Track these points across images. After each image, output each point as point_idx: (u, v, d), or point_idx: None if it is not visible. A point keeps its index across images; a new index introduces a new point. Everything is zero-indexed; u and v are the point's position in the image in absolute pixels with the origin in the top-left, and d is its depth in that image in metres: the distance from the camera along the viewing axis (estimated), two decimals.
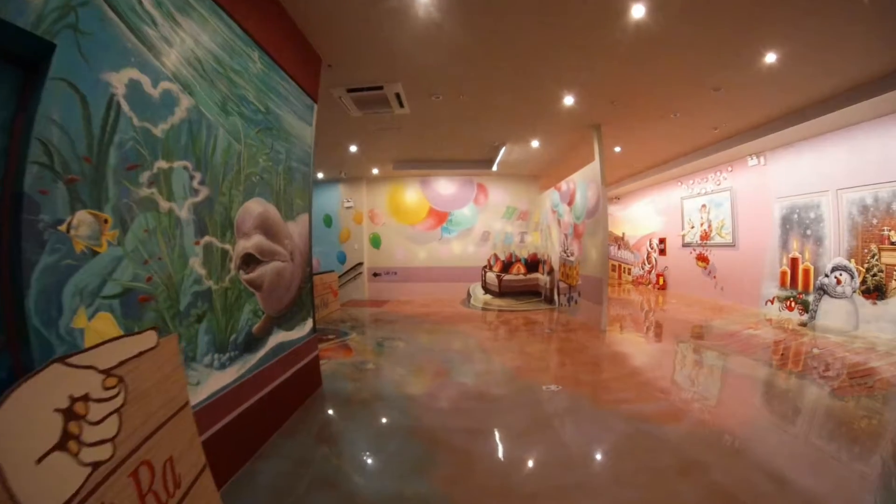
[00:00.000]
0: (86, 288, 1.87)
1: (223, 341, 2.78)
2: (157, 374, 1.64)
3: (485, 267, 11.50)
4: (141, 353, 1.58)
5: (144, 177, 2.20)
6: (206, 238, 2.65)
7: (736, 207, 9.51)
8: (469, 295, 11.21)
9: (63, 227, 1.79)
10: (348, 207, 11.50)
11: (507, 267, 11.24)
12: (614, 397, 4.10)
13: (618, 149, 8.64)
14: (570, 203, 9.11)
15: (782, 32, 4.40)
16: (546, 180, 11.33)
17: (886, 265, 6.23)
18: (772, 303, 8.37)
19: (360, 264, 11.43)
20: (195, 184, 2.58)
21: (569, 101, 6.19)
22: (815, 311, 7.34)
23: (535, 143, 8.58)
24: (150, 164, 2.24)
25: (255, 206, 3.24)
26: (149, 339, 1.65)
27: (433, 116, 6.81)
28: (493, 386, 4.51)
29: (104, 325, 1.96)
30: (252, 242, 3.14)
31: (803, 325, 7.32)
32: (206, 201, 2.67)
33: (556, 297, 9.99)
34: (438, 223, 11.45)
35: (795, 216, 7.92)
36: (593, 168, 7.59)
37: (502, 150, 8.83)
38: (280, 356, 3.55)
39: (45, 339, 1.67)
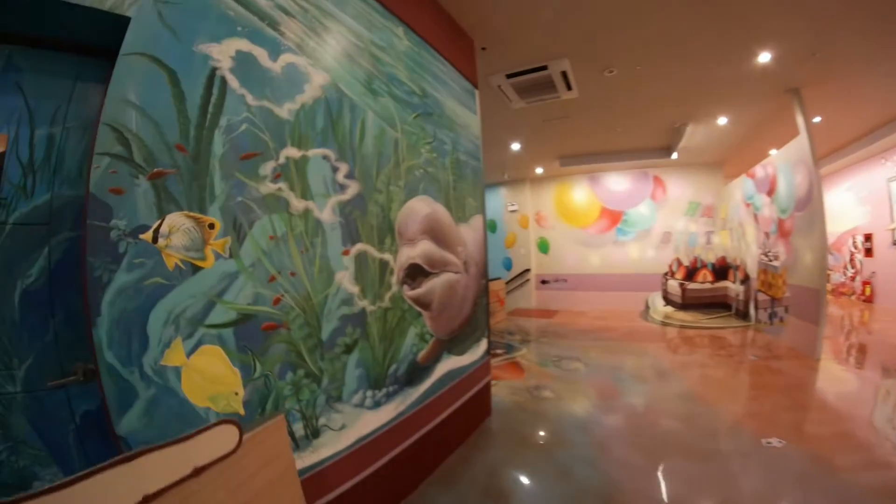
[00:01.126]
0: (183, 314, 1.37)
1: (380, 375, 2.17)
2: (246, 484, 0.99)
3: (665, 274, 9.85)
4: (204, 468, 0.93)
5: (267, 168, 1.64)
6: (359, 246, 2.06)
7: None
8: (647, 306, 9.74)
9: (147, 236, 1.28)
10: (512, 211, 10.66)
11: (691, 274, 9.45)
12: (854, 460, 2.86)
13: (817, 119, 6.57)
14: (769, 192, 7.08)
15: None
16: (732, 166, 9.44)
17: None
18: None
19: (527, 271, 10.55)
20: (340, 177, 1.99)
21: (764, 57, 4.75)
22: None
23: (721, 120, 6.97)
24: (274, 152, 1.67)
25: (421, 206, 2.61)
26: (223, 437, 1.02)
27: (605, 97, 5.77)
28: (700, 435, 3.43)
29: (210, 361, 1.43)
30: (419, 250, 2.52)
31: None
32: (356, 199, 2.08)
33: (751, 311, 7.96)
34: (612, 224, 10.09)
35: None
36: (798, 145, 5.76)
37: (685, 132, 7.35)
38: (447, 387, 2.87)
39: (122, 380, 1.24)
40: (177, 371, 1.34)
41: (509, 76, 4.83)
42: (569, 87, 5.17)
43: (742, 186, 8.25)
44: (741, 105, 6.38)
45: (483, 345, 3.49)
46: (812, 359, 5.37)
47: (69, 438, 1.34)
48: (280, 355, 1.63)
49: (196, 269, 1.40)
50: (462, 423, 3.14)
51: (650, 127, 7.33)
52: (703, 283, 9.09)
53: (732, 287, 8.68)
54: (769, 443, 3.21)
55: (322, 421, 1.82)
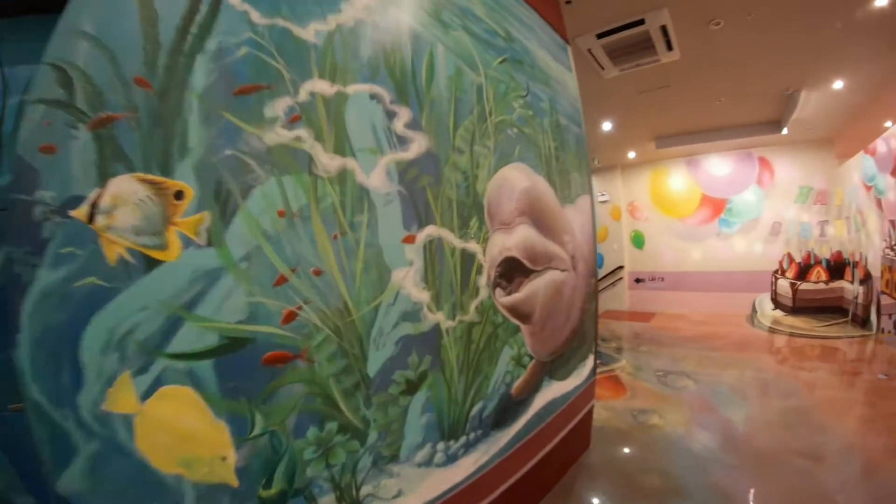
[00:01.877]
0: (131, 335, 0.83)
1: (458, 419, 1.50)
2: None
3: (775, 272, 8.33)
4: None
5: (278, 107, 1.04)
6: (430, 230, 1.40)
7: None
8: (754, 309, 8.27)
9: (80, 212, 0.81)
10: (603, 201, 9.50)
11: (803, 271, 7.85)
12: None
13: None
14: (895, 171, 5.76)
15: None
16: (845, 144, 7.87)
17: None
18: None
19: (620, 268, 9.44)
20: (399, 126, 1.35)
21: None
22: None
23: (837, 85, 5.71)
24: (291, 85, 1.07)
25: (518, 177, 1.90)
26: None
27: (710, 58, 4.84)
28: (841, 477, 2.78)
29: (177, 409, 0.89)
30: (517, 239, 1.82)
31: None
32: (425, 160, 1.42)
33: (872, 316, 6.44)
34: (714, 214, 8.76)
35: None
36: None
37: (799, 101, 6.08)
38: (544, 423, 2.12)
39: (54, 425, 0.79)
40: (128, 421, 0.80)
41: (600, 35, 4.06)
42: (669, 47, 4.33)
43: (860, 166, 6.84)
44: (861, 64, 5.32)
45: (590, 363, 2.73)
46: None
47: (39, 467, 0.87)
48: (295, 401, 1.01)
49: (152, 263, 0.83)
50: (557, 462, 2.40)
51: (758, 96, 6.25)
52: (817, 282, 7.57)
53: (850, 288, 7.19)
54: None
55: (366, 490, 1.20)
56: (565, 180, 2.38)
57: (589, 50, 4.25)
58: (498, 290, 1.66)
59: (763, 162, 8.43)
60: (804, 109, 6.41)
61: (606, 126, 6.75)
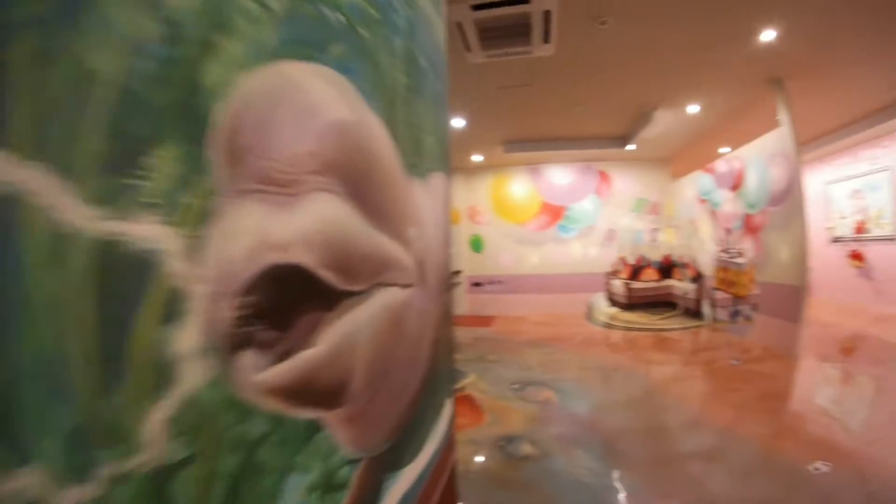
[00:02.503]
0: None
1: None
2: None
3: (610, 273, 8.94)
4: None
5: None
6: None
7: None
8: (591, 308, 8.72)
9: None
10: None
11: (636, 272, 8.58)
12: None
13: (783, 120, 5.73)
14: (734, 187, 6.65)
15: None
16: (680, 164, 8.75)
17: None
18: None
19: (459, 272, 8.96)
20: None
21: (768, 35, 4.20)
22: None
23: (691, 108, 6.06)
24: None
25: (327, 95, 0.86)
26: None
27: (584, 60, 4.53)
28: (741, 473, 2.76)
29: None
30: (308, 222, 0.74)
31: None
32: None
33: (704, 309, 7.46)
34: (553, 220, 8.94)
35: None
36: (777, 137, 5.40)
37: (653, 119, 6.29)
38: None
39: None
40: None
41: (477, 7, 3.40)
42: (546, 38, 3.87)
43: (696, 183, 8.01)
44: (718, 92, 5.71)
45: (448, 408, 1.89)
46: (792, 357, 5.06)
47: None
48: None
49: None
50: None
51: (616, 109, 6.24)
52: (649, 281, 8.40)
53: (679, 285, 8.15)
54: (817, 468, 2.79)
55: None
56: (416, 143, 1.48)
57: (459, 24, 3.56)
58: (247, 355, 0.63)
59: (603, 175, 8.97)
60: (654, 128, 6.62)
61: (459, 122, 6.14)
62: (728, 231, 6.91)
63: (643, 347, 6.04)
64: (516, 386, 4.33)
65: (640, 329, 7.07)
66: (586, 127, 6.95)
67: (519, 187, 9.02)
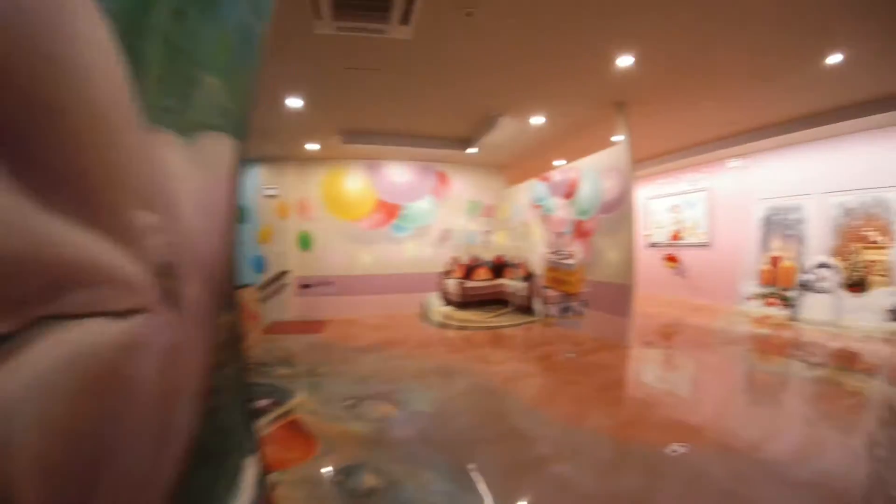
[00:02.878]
0: None
1: None
2: None
3: (444, 272, 8.91)
4: None
5: None
6: None
7: (712, 208, 8.77)
8: (425, 308, 8.55)
9: None
10: (270, 196, 8.00)
11: (469, 272, 8.74)
12: (764, 452, 2.83)
13: (621, 137, 6.29)
14: (567, 196, 7.23)
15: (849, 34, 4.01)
16: (516, 172, 9.22)
17: (867, 262, 6.53)
18: (752, 300, 7.97)
19: (285, 273, 8.08)
20: None
21: (625, 61, 4.46)
22: (799, 306, 7.29)
23: (536, 119, 6.24)
24: None
25: None
26: None
27: (440, 51, 4.20)
28: (604, 468, 2.71)
29: None
30: None
31: (790, 319, 7.27)
32: None
33: (535, 306, 7.91)
34: (388, 218, 8.57)
35: (778, 217, 7.81)
36: (614, 154, 6.01)
37: (498, 124, 6.30)
38: None
39: None
40: None
41: None
42: (406, 20, 3.47)
43: (530, 190, 8.57)
44: (565, 106, 5.93)
45: (253, 469, 1.31)
46: (623, 347, 5.56)
47: None
48: None
49: None
50: None
51: (464, 109, 6.05)
52: (482, 280, 8.65)
53: (511, 284, 8.54)
54: (674, 450, 2.88)
55: None
56: (181, 76, 0.89)
57: None
58: None
59: (441, 176, 8.84)
60: (498, 134, 6.62)
61: (295, 103, 5.39)
62: (559, 235, 7.44)
63: (480, 345, 5.98)
64: (351, 402, 3.80)
65: (475, 327, 7.09)
66: (430, 125, 6.72)
67: (354, 183, 8.45)
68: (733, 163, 8.25)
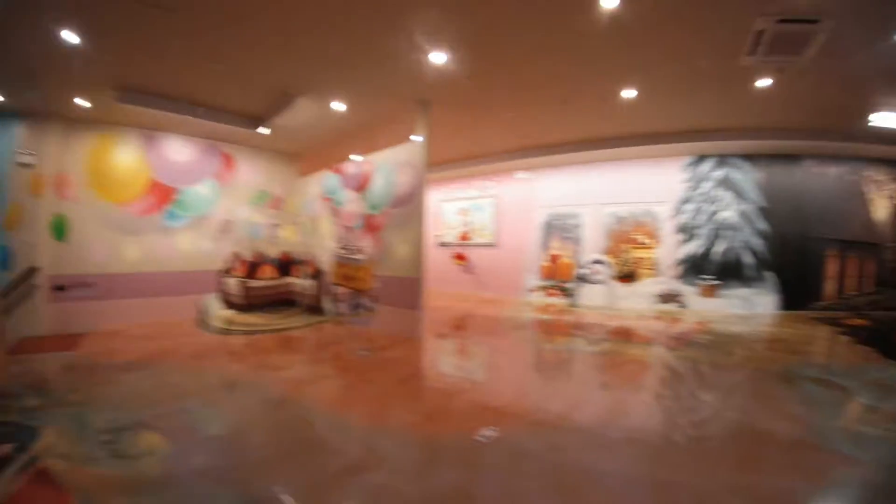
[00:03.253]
0: None
1: None
2: None
3: (224, 271, 9.12)
4: None
5: None
6: None
7: (499, 212, 12.01)
8: (203, 312, 8.62)
9: None
10: (25, 164, 7.29)
11: (252, 270, 9.20)
12: (573, 421, 3.72)
13: (420, 136, 7.36)
14: (359, 189, 8.42)
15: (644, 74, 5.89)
16: (310, 162, 10.02)
17: (636, 258, 10.21)
18: (535, 291, 11.19)
19: (34, 270, 7.36)
20: None
21: (438, 57, 5.46)
22: (577, 295, 10.57)
23: (337, 105, 7.03)
24: None
25: None
26: None
27: (245, 5, 4.44)
28: (417, 468, 3.07)
29: None
30: None
31: (571, 306, 10.45)
32: None
33: (325, 305, 9.00)
34: (161, 203, 8.46)
35: (558, 222, 11.10)
36: (411, 150, 7.25)
37: (294, 104, 6.98)
38: None
39: None
40: None
41: None
42: None
43: (322, 182, 9.54)
44: (368, 97, 6.90)
45: None
46: (416, 340, 6.74)
47: None
48: None
49: None
50: None
51: (259, 81, 6.44)
52: (267, 279, 9.25)
53: (299, 283, 9.37)
54: (486, 436, 3.36)
55: None
56: None
57: None
58: None
59: (226, 158, 9.25)
60: (294, 116, 7.39)
61: (71, 38, 5.07)
62: (349, 229, 8.60)
63: (267, 351, 6.29)
64: (109, 437, 3.53)
65: (262, 331, 7.48)
66: (222, 96, 6.95)
67: (126, 156, 8.11)
68: (521, 175, 11.36)
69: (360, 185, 8.21)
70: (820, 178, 10.11)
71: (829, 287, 9.77)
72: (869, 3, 5.07)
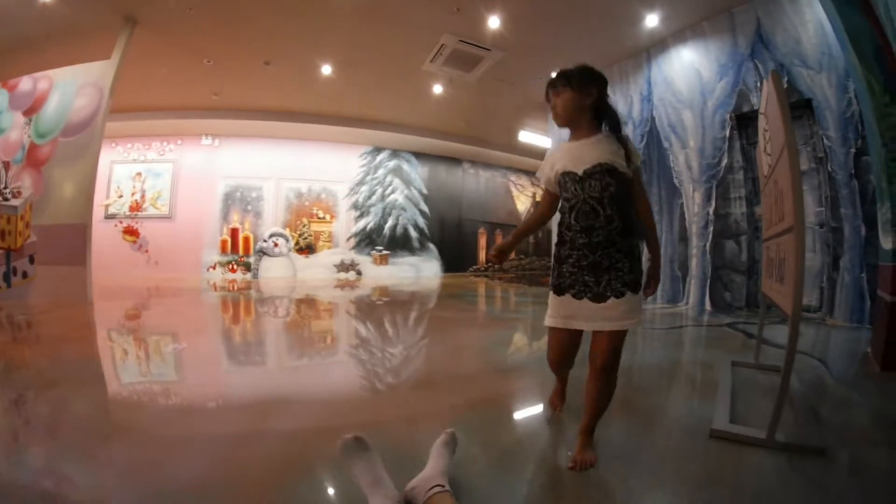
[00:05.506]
0: None
1: None
2: None
3: None
4: None
5: None
6: None
7: (178, 180, 10.76)
8: None
9: None
10: None
11: None
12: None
13: (115, 58, 6.30)
14: (30, 112, 6.37)
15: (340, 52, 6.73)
16: None
17: (314, 232, 11.06)
18: (214, 268, 10.69)
19: None
20: None
21: None
22: (258, 269, 10.78)
23: None
24: None
25: None
26: None
27: None
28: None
29: None
30: None
31: (252, 278, 10.59)
32: None
33: None
34: None
35: (239, 194, 10.91)
36: (101, 69, 6.04)
37: None
38: None
39: None
40: None
41: None
42: None
43: None
44: None
45: None
46: (86, 304, 5.46)
47: None
48: None
49: None
50: None
51: None
52: None
53: None
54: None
55: None
56: None
57: None
58: None
59: None
60: None
61: None
62: (7, 165, 6.33)
63: None
64: None
65: None
66: None
67: None
68: (206, 140, 10.54)
69: (33, 106, 6.34)
70: (475, 177, 13.19)
71: (482, 256, 13.34)
72: (530, 46, 6.68)
